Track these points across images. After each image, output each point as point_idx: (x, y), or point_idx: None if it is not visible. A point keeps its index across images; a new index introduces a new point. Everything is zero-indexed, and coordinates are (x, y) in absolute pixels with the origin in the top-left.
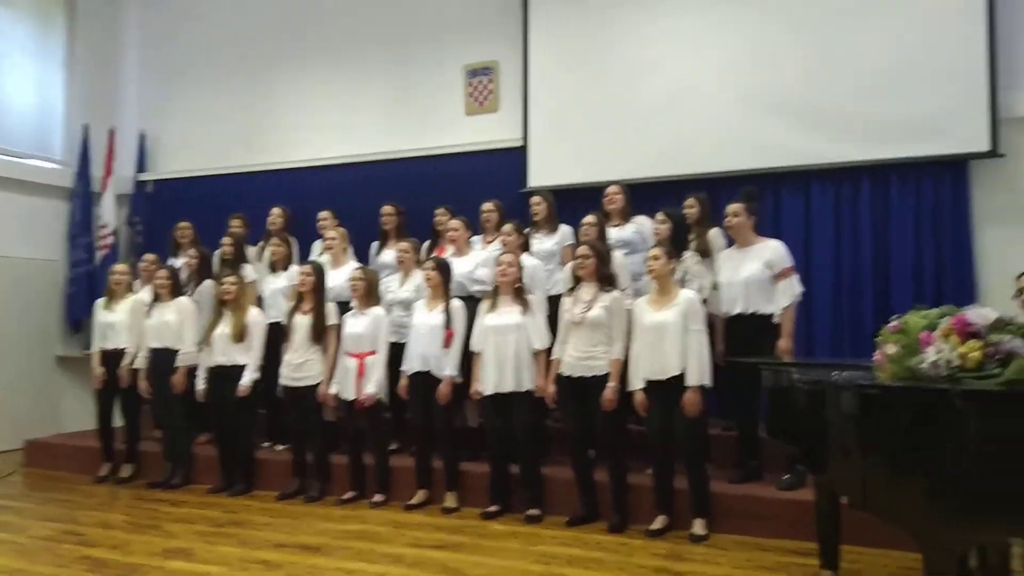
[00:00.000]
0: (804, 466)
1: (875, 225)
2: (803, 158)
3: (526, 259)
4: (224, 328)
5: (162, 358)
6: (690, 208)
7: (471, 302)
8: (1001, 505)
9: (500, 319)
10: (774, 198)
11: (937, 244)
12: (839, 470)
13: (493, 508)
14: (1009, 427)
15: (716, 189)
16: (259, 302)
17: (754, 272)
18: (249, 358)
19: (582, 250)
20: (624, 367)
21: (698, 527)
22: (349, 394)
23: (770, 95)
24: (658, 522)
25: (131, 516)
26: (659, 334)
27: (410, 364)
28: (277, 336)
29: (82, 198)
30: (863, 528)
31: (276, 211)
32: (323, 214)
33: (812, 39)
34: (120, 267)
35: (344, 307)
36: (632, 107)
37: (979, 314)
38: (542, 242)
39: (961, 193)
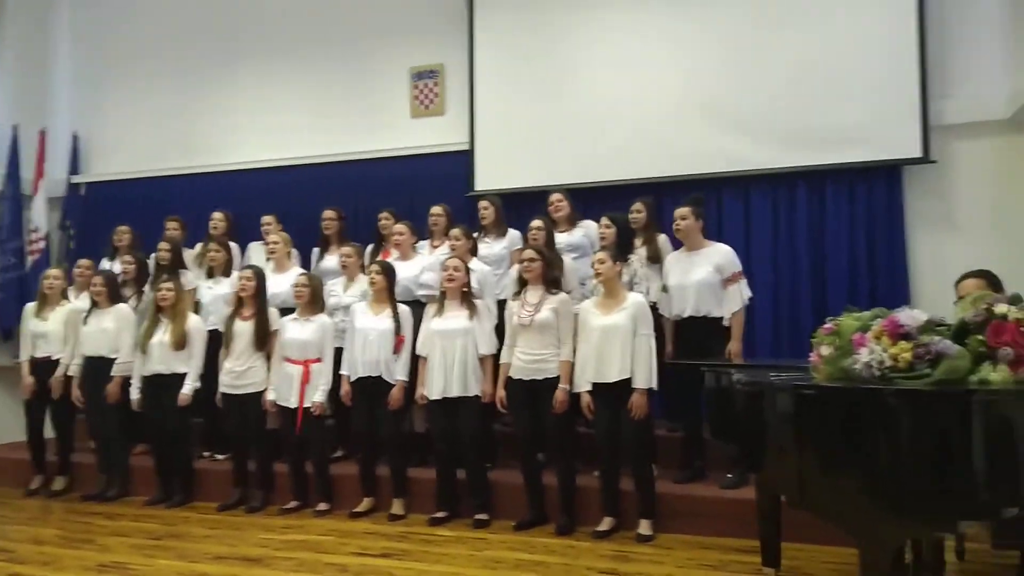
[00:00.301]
0: (744, 466)
1: (812, 229)
2: (743, 164)
3: (475, 264)
4: (163, 336)
5: (97, 366)
6: (637, 213)
7: (416, 307)
8: (932, 501)
9: (447, 324)
10: (715, 203)
11: (871, 248)
12: (777, 469)
13: (440, 514)
14: (939, 425)
15: (659, 194)
16: (196, 308)
17: (705, 276)
18: (190, 366)
19: (528, 254)
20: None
21: (644, 528)
22: (291, 401)
23: (711, 102)
24: (605, 524)
25: (64, 530)
26: (607, 337)
27: (354, 369)
28: (215, 343)
29: (12, 201)
30: (803, 525)
31: (218, 215)
32: (267, 218)
33: (752, 48)
34: (54, 272)
35: (284, 312)
36: (577, 112)
37: (910, 316)
38: (491, 246)
39: (895, 198)
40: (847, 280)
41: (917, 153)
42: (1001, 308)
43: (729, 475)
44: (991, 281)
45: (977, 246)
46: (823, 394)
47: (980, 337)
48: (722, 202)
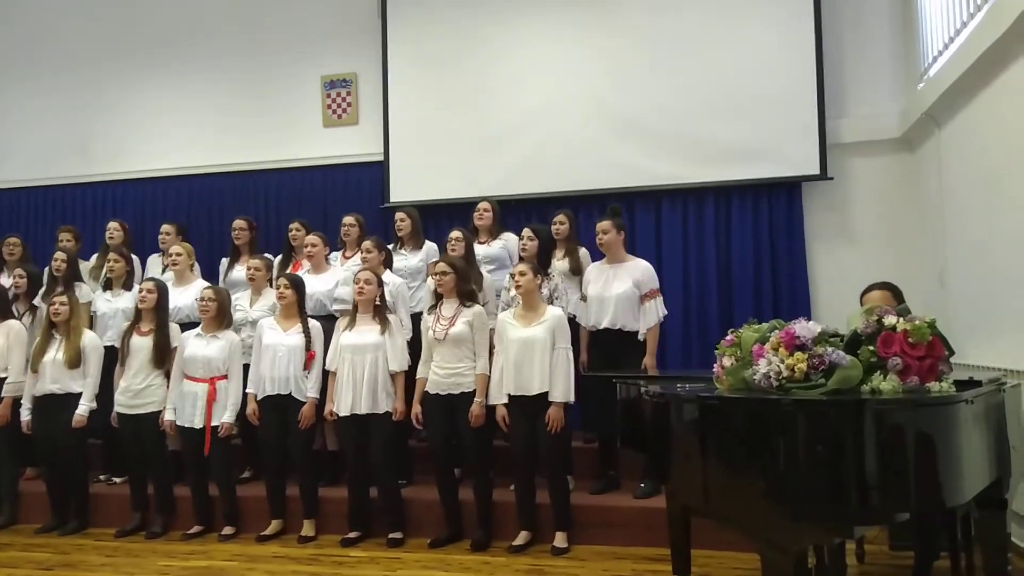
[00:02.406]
0: (652, 474)
1: (719, 242)
2: (654, 178)
3: (389, 277)
4: (56, 353)
5: None
6: (559, 224)
7: (330, 321)
8: (829, 507)
9: (357, 338)
10: (628, 216)
11: (774, 260)
12: (683, 478)
13: (353, 534)
14: (834, 433)
15: (572, 206)
16: (92, 322)
17: (625, 290)
18: (85, 386)
19: (439, 267)
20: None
21: (559, 540)
22: (195, 421)
23: (624, 117)
24: (521, 538)
25: None
26: (526, 350)
27: (261, 387)
28: (111, 360)
29: None
30: (714, 532)
31: (113, 224)
32: (165, 227)
33: (663, 67)
34: None
35: (185, 327)
36: (491, 123)
37: (805, 328)
38: (407, 259)
39: (795, 213)
40: (752, 291)
41: (815, 170)
42: (890, 320)
43: (642, 484)
44: (895, 292)
45: (871, 258)
46: (725, 404)
47: (871, 348)
48: (635, 215)
